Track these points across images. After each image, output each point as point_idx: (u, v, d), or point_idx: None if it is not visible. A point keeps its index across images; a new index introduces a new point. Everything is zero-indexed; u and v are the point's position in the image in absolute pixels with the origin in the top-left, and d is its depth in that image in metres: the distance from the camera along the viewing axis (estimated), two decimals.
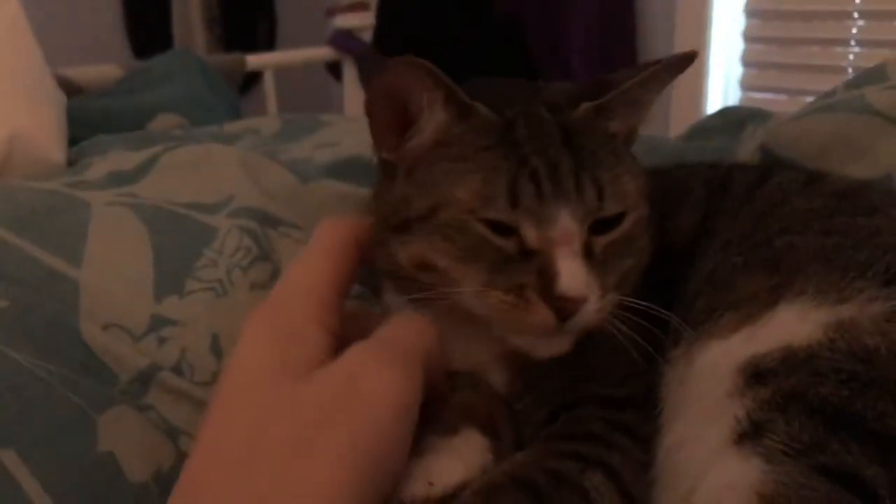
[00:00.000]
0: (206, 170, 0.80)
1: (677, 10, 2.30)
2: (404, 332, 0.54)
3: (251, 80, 2.08)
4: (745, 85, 2.40)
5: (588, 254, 0.56)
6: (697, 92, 2.32)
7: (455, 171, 0.58)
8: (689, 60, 0.60)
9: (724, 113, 1.03)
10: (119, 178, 0.76)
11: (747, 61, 2.38)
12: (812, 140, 0.81)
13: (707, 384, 0.55)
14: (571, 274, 0.54)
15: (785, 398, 0.49)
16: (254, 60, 1.92)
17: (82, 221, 0.65)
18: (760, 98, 2.36)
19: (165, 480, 0.53)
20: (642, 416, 0.59)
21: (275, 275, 0.68)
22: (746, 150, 0.90)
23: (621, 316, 0.58)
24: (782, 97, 2.36)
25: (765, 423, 0.49)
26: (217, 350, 0.59)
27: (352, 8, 2.04)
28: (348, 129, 1.15)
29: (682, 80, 0.65)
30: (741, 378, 0.52)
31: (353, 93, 2.08)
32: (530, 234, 0.55)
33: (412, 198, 0.59)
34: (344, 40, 2.05)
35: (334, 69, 2.32)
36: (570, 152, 0.57)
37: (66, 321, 0.56)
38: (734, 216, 0.66)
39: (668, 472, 0.55)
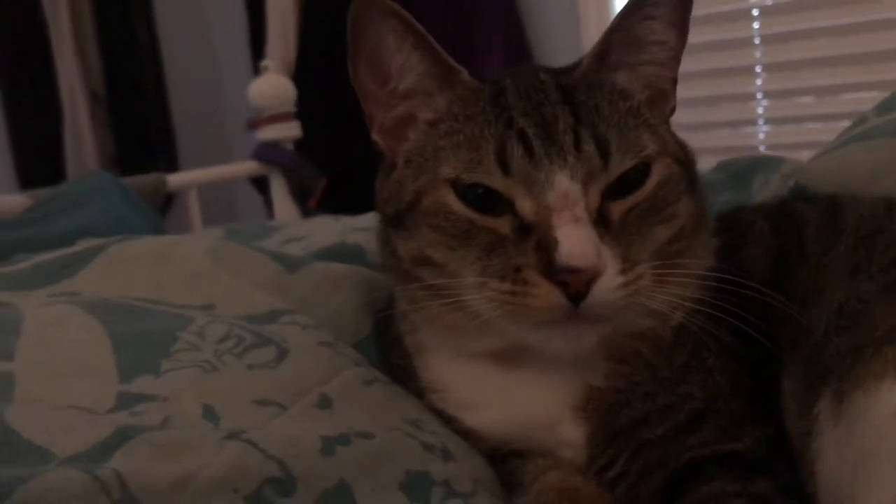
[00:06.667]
0: (167, 265, 0.66)
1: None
2: None
3: (167, 200, 1.93)
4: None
5: (601, 221, 0.50)
6: None
7: (443, 149, 0.54)
8: None
9: (725, 167, 0.96)
10: (49, 272, 0.67)
11: None
12: (856, 171, 0.75)
13: None
14: (574, 241, 0.47)
15: None
16: (175, 180, 1.79)
17: (12, 321, 0.59)
18: None
19: None
20: (782, 477, 0.52)
21: (282, 356, 0.57)
22: (770, 198, 0.83)
23: (701, 316, 0.52)
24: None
25: None
26: (213, 417, 0.52)
27: (275, 119, 1.94)
28: (310, 228, 1.02)
29: None
30: None
31: (283, 207, 1.95)
32: (525, 203, 0.50)
33: (403, 186, 0.56)
34: (270, 153, 1.94)
35: (259, 183, 2.21)
36: (568, 110, 0.52)
37: None
38: (825, 248, 0.59)
39: None
